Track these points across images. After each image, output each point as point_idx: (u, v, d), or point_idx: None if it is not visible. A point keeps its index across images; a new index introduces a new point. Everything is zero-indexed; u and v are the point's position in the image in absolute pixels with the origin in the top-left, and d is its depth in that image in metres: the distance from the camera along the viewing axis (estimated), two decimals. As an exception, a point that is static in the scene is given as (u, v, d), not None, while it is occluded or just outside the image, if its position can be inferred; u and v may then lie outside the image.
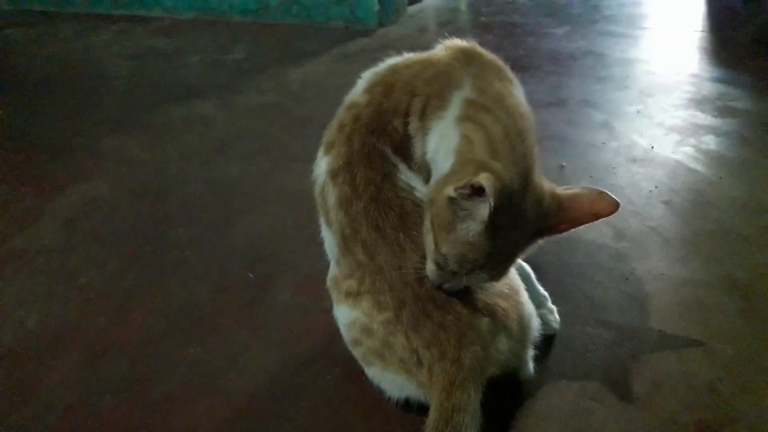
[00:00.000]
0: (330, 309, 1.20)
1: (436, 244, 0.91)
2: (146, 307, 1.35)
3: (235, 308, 1.34)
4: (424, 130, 1.02)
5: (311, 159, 1.94)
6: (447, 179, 0.89)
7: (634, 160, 1.86)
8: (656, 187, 1.72)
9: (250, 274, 1.44)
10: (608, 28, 3.32)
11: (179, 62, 3.01)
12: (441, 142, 0.99)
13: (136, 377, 1.18)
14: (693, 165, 1.83)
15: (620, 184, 1.73)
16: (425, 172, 1.05)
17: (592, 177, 1.78)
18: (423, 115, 1.03)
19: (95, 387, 1.16)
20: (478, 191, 0.81)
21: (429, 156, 1.02)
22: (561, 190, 0.94)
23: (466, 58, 1.08)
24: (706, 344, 1.17)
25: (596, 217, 0.93)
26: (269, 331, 1.27)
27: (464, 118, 0.97)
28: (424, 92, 1.03)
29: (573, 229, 0.95)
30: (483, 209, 0.83)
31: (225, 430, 1.06)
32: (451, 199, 0.86)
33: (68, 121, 2.37)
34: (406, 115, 1.04)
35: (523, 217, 0.90)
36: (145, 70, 2.93)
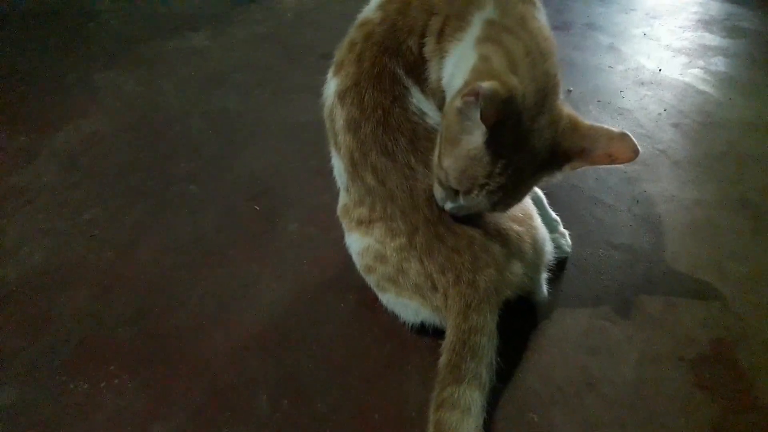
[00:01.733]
0: (339, 239, 1.19)
1: (439, 157, 0.88)
2: (153, 241, 1.34)
3: (244, 240, 1.33)
4: (441, 53, 0.98)
5: (311, 90, 1.88)
6: (461, 92, 0.84)
7: (642, 83, 1.82)
8: (665, 110, 1.68)
9: (257, 207, 1.42)
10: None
11: (168, -7, 2.89)
12: (458, 67, 0.94)
13: (148, 310, 1.17)
14: (702, 87, 1.79)
15: (629, 108, 1.70)
16: (439, 98, 1.01)
17: (599, 101, 1.74)
18: (441, 37, 0.98)
19: (108, 320, 1.16)
20: (484, 113, 0.77)
21: (444, 81, 0.98)
22: (585, 121, 0.89)
23: None
24: (719, 264, 1.17)
25: (611, 158, 0.86)
26: (279, 262, 1.26)
27: (484, 39, 0.91)
28: (444, 11, 0.98)
29: (585, 167, 0.89)
30: (480, 103, 0.76)
31: (240, 359, 1.06)
32: (459, 110, 0.82)
33: (59, 57, 2.28)
34: (422, 35, 1.00)
35: (533, 138, 0.85)
36: (134, 2, 2.81)
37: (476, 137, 0.83)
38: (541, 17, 0.99)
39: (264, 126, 1.75)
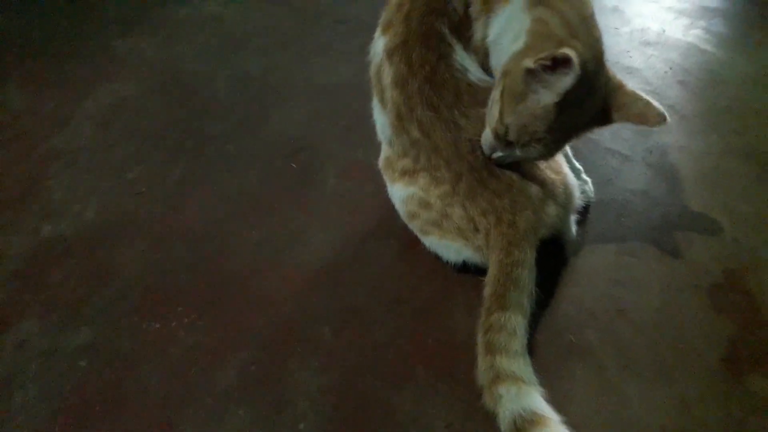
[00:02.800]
0: (375, 192, 1.30)
1: (501, 113, 0.96)
2: (200, 195, 1.42)
3: (286, 194, 1.41)
4: (488, 14, 1.04)
5: (331, 54, 1.97)
6: (525, 53, 0.92)
7: (647, 44, 1.91)
8: (671, 68, 1.78)
9: (294, 165, 1.50)
10: None
11: (174, -41, 2.90)
12: (506, 27, 1.01)
13: (206, 257, 1.26)
14: (704, 46, 1.89)
15: (636, 67, 1.79)
16: (482, 56, 1.09)
17: (608, 61, 1.81)
18: None
19: (168, 267, 1.25)
20: (562, 63, 0.84)
21: (490, 40, 1.05)
22: (624, 84, 0.98)
23: None
24: (729, 206, 1.28)
25: (643, 120, 0.96)
26: (323, 213, 1.35)
27: (536, 3, 0.97)
28: None
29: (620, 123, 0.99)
30: (563, 81, 0.85)
31: (301, 297, 1.16)
32: (528, 71, 0.89)
33: (74, 25, 2.31)
34: None
35: (591, 98, 0.94)
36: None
37: (545, 98, 0.90)
38: None
39: (289, 88, 1.82)
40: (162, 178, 1.49)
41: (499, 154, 1.02)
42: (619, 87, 0.98)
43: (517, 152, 1.00)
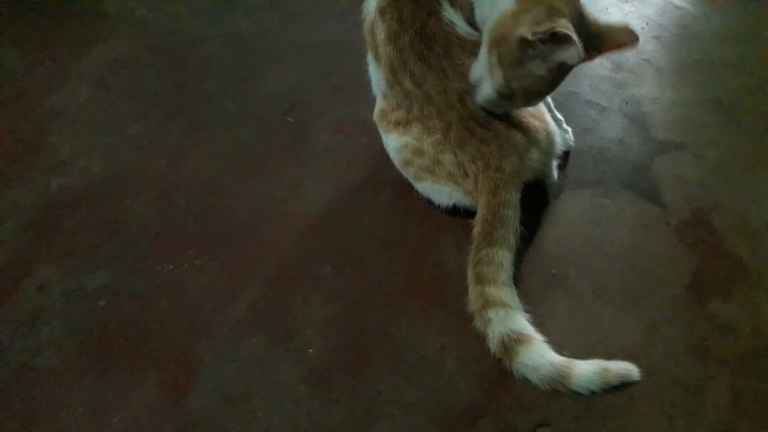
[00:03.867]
0: (368, 145, 1.38)
1: (505, 79, 1.03)
2: (200, 151, 1.49)
3: (282, 149, 1.49)
4: None
5: (319, 13, 2.02)
6: (516, 19, 0.99)
7: (625, 0, 1.99)
8: (647, 24, 1.86)
9: (290, 119, 1.57)
10: None
11: None
12: None
13: (210, 206, 1.34)
14: (679, 3, 1.96)
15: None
16: (467, 11, 1.17)
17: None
18: None
19: (175, 217, 1.33)
20: (561, 39, 0.93)
21: None
22: (601, 19, 1.05)
23: None
24: (696, 151, 1.38)
25: (620, 46, 1.05)
26: (318, 166, 1.43)
27: None
28: None
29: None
30: (565, 56, 0.95)
31: (302, 241, 1.25)
32: (524, 40, 0.97)
33: (62, -15, 2.32)
34: None
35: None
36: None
37: (549, 65, 0.99)
38: None
39: (280, 47, 1.87)
40: (162, 134, 1.55)
41: (498, 109, 1.12)
42: (596, 24, 1.05)
43: (519, 105, 1.11)
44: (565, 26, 0.93)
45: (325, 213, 1.31)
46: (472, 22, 1.18)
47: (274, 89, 1.69)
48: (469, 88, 1.13)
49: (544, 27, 0.94)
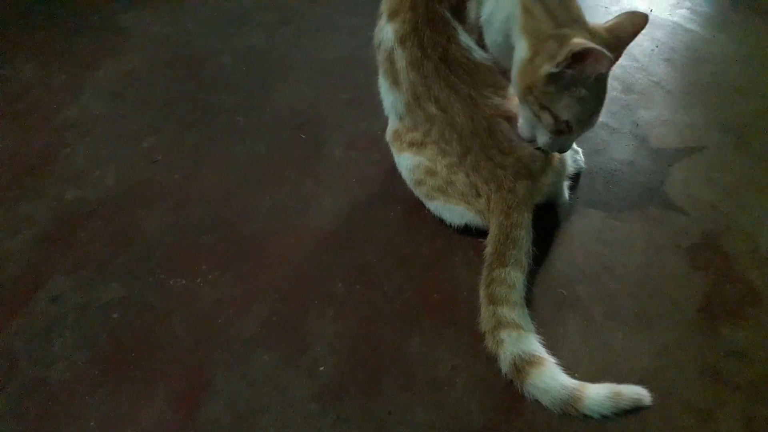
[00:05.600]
0: (379, 161, 1.40)
1: (555, 117, 1.06)
2: (214, 164, 1.50)
3: (296, 163, 1.50)
4: None
5: (332, 28, 2.04)
6: (533, 63, 1.04)
7: (636, 22, 2.00)
8: (657, 46, 1.88)
9: (303, 136, 1.59)
10: None
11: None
12: (498, 7, 1.12)
13: (223, 220, 1.35)
14: (689, 26, 1.98)
15: (625, 45, 1.88)
16: (477, 35, 1.19)
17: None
18: None
19: (188, 230, 1.34)
20: (583, 54, 0.96)
21: (483, 19, 1.16)
22: (606, 26, 1.09)
23: None
24: (707, 174, 1.39)
25: (637, 32, 1.08)
26: (331, 180, 1.44)
27: None
28: None
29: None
30: (596, 64, 0.97)
31: (314, 256, 1.26)
32: (552, 75, 1.00)
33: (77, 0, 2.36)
34: None
35: None
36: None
37: (584, 86, 1.02)
38: None
39: (293, 62, 1.90)
40: (176, 147, 1.57)
41: (562, 145, 1.14)
42: (607, 31, 1.07)
43: (579, 132, 1.12)
44: (580, 42, 0.96)
45: (338, 228, 1.32)
46: (482, 45, 1.20)
47: (287, 103, 1.71)
48: (531, 144, 1.16)
49: (563, 53, 0.96)
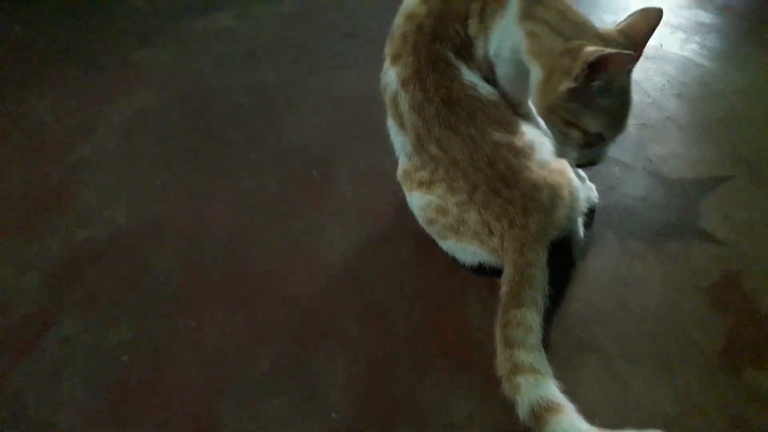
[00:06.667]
0: (391, 198, 1.39)
1: (584, 131, 1.07)
2: (226, 200, 1.50)
3: (308, 199, 1.49)
4: (486, 32, 1.17)
5: (342, 66, 2.06)
6: (550, 82, 1.06)
7: (646, 57, 1.99)
8: (668, 81, 1.88)
9: (314, 172, 1.59)
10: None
11: (185, -27, 2.99)
12: (504, 39, 1.14)
13: (234, 258, 1.34)
14: (700, 60, 1.98)
15: (636, 79, 1.83)
16: (486, 69, 1.20)
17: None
18: (482, 17, 1.17)
19: (200, 267, 1.33)
20: (601, 61, 0.97)
21: (492, 53, 1.17)
22: (618, 27, 1.11)
23: None
24: (723, 210, 1.37)
25: (653, 28, 1.09)
26: (343, 217, 1.44)
27: (524, 17, 1.11)
28: None
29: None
30: (616, 67, 0.99)
31: (326, 294, 1.24)
32: (571, 90, 1.01)
33: (93, 36, 2.40)
34: (465, 18, 1.18)
35: None
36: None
37: (609, 92, 1.04)
38: None
39: (305, 99, 1.91)
40: (188, 183, 1.57)
41: (591, 157, 1.16)
42: (621, 34, 1.10)
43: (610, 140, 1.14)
44: (593, 51, 0.97)
45: (350, 265, 1.31)
46: (492, 80, 1.21)
47: (299, 139, 1.72)
48: (568, 161, 1.18)
49: (578, 66, 0.98)
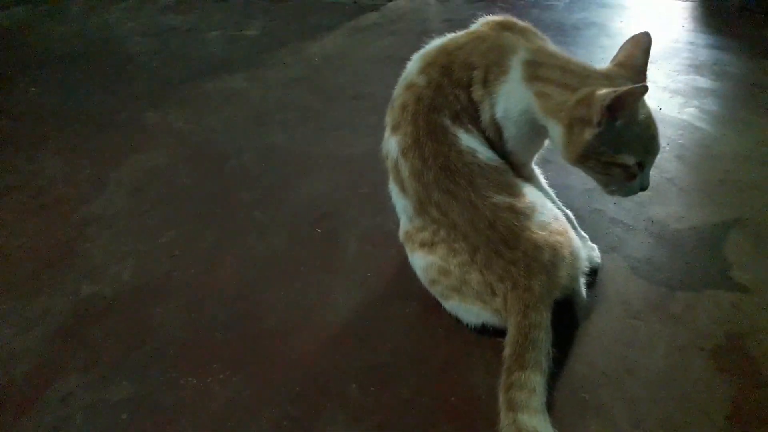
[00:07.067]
0: (395, 255, 1.40)
1: (623, 167, 1.12)
2: (231, 259, 1.52)
3: (312, 258, 1.51)
4: (490, 95, 1.22)
5: (349, 128, 2.12)
6: (573, 133, 1.11)
7: (645, 121, 2.05)
8: (668, 144, 1.91)
9: (318, 230, 1.61)
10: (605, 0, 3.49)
11: (199, 38, 3.12)
12: (511, 101, 1.19)
13: (238, 316, 1.35)
14: (699, 124, 2.03)
15: (636, 142, 1.92)
16: (493, 132, 1.24)
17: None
18: (486, 83, 1.21)
19: (203, 326, 1.33)
20: (616, 101, 1.02)
21: (499, 116, 1.22)
22: (615, 62, 1.20)
23: (508, 27, 1.29)
24: (726, 272, 1.37)
25: (647, 52, 1.17)
26: (347, 275, 1.45)
27: (530, 78, 1.17)
28: (483, 64, 1.22)
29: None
30: (632, 101, 1.04)
31: (328, 354, 1.24)
32: (597, 136, 1.08)
33: (105, 97, 2.48)
34: (469, 86, 1.23)
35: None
36: (168, 46, 3.04)
37: (634, 121, 1.09)
38: (553, 47, 1.27)
39: (312, 159, 1.95)
40: (195, 242, 1.59)
41: (641, 186, 1.19)
42: (621, 66, 1.18)
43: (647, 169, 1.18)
44: (605, 93, 1.03)
45: (353, 325, 1.31)
46: (496, 141, 1.25)
47: (305, 198, 1.75)
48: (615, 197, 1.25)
49: (595, 112, 1.04)
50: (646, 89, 1.02)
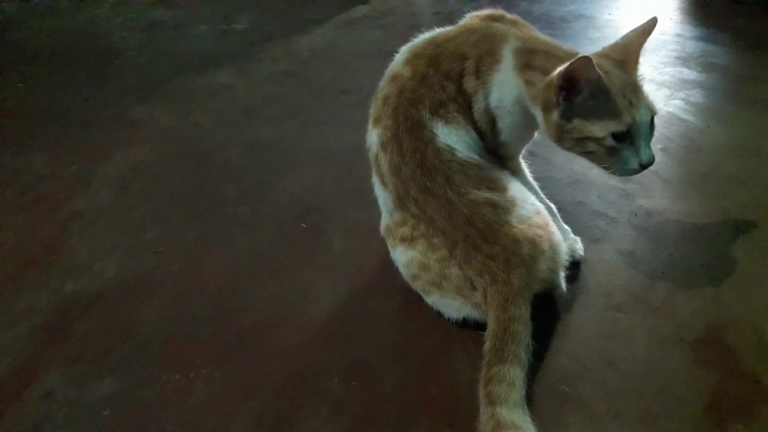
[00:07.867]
0: (379, 250, 1.40)
1: (598, 141, 1.11)
2: (216, 255, 1.52)
3: (296, 253, 1.51)
4: (484, 86, 1.22)
5: (336, 122, 2.11)
6: (547, 117, 1.14)
7: (631, 114, 2.05)
8: (653, 136, 1.91)
9: (303, 225, 1.61)
10: (594, -10, 3.48)
11: (187, 33, 3.11)
12: (505, 90, 1.20)
13: (222, 312, 1.35)
14: (684, 116, 2.03)
15: (621, 135, 1.92)
16: (486, 122, 1.24)
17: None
18: (479, 73, 1.21)
19: (186, 322, 1.33)
20: (566, 80, 1.05)
21: (494, 105, 1.22)
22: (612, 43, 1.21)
23: (497, 19, 1.29)
24: (708, 265, 1.38)
25: (645, 34, 1.19)
26: (331, 270, 1.45)
27: (521, 67, 1.18)
28: (475, 54, 1.21)
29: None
30: (587, 73, 1.04)
31: (311, 349, 1.24)
32: (561, 113, 1.10)
33: (92, 93, 2.47)
34: (460, 77, 1.22)
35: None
36: (156, 41, 3.02)
37: (594, 96, 1.09)
38: (539, 34, 1.29)
39: (298, 154, 1.95)
40: (179, 238, 1.59)
41: (648, 157, 1.16)
42: (616, 47, 1.20)
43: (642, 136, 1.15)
44: (556, 73, 1.06)
45: (336, 319, 1.31)
46: (488, 132, 1.25)
47: (291, 193, 1.75)
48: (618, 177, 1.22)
49: (552, 93, 1.08)
50: (588, 59, 1.02)
